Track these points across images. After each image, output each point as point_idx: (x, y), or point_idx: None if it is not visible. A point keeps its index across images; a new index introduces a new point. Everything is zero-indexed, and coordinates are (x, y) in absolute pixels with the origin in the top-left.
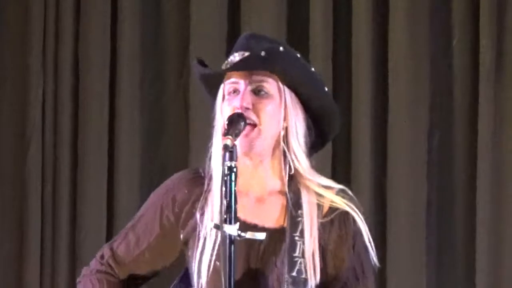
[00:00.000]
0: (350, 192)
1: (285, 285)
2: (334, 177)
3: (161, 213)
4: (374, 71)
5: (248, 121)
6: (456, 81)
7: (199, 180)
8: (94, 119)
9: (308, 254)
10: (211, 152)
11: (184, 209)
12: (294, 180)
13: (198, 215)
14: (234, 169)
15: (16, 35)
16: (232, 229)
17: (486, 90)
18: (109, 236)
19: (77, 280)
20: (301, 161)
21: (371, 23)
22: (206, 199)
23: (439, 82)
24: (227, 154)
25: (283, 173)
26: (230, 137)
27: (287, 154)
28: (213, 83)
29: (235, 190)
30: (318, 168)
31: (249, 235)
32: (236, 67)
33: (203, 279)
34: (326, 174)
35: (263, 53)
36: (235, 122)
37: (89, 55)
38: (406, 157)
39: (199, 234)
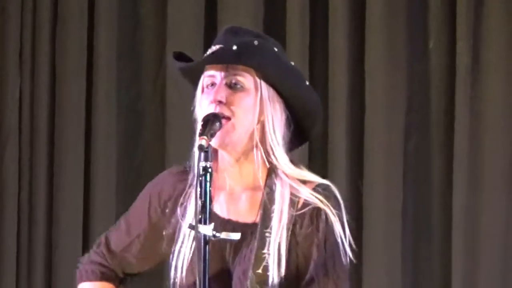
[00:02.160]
0: (332, 188)
1: (248, 282)
2: None
3: (149, 204)
4: (351, 73)
5: (221, 115)
6: (433, 83)
7: (184, 176)
8: (71, 121)
9: (273, 247)
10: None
11: (168, 204)
12: (272, 175)
13: (180, 211)
14: (209, 170)
15: None
16: (207, 229)
17: (463, 92)
18: (86, 237)
19: (77, 267)
20: (278, 155)
21: (348, 25)
22: (189, 194)
23: (416, 84)
24: (202, 155)
25: (258, 168)
26: (205, 137)
27: (262, 148)
28: (193, 76)
29: (210, 191)
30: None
31: (223, 235)
32: (207, 60)
33: (179, 275)
34: None
35: (234, 47)
36: (210, 122)
37: (66, 56)
38: (383, 160)
39: (179, 230)
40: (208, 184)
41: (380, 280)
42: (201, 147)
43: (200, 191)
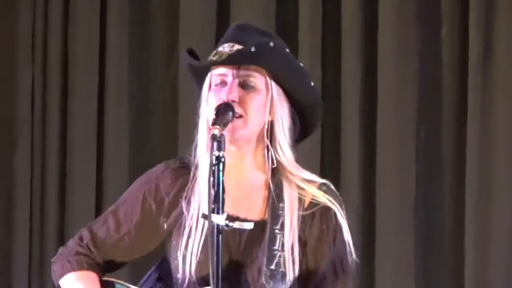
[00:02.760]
0: (332, 187)
1: (263, 278)
2: (323, 172)
3: (143, 201)
4: (363, 65)
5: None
6: (445, 73)
7: (183, 170)
8: (83, 111)
9: (287, 247)
10: (197, 141)
11: (166, 199)
12: (277, 173)
13: (184, 204)
14: (222, 159)
15: (4, 27)
16: (219, 219)
17: (475, 82)
18: None
19: (52, 259)
20: (286, 154)
21: (360, 17)
22: (192, 188)
23: (428, 75)
24: (215, 144)
25: (266, 166)
26: (218, 127)
27: (271, 147)
28: (200, 73)
29: (222, 180)
30: (307, 163)
31: (237, 224)
32: (226, 61)
33: (189, 268)
34: (315, 170)
35: (253, 49)
36: (223, 112)
37: (78, 47)
38: (395, 151)
39: (184, 223)
40: (221, 173)
41: (392, 272)
42: (214, 137)
43: (213, 181)
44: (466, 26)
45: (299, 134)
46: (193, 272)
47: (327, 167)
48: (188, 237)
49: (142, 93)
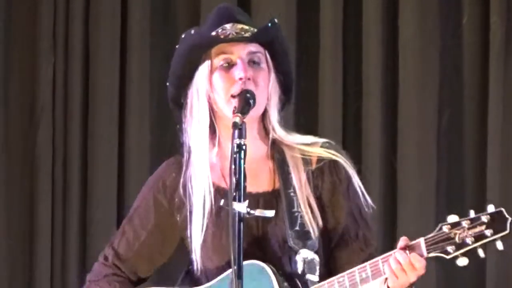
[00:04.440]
0: (336, 144)
1: (290, 240)
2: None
3: (154, 202)
4: (384, 49)
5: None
6: (466, 59)
7: (183, 164)
8: (105, 97)
9: (303, 205)
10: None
11: (175, 194)
12: (276, 143)
13: (187, 194)
14: (243, 147)
15: (26, 15)
16: (241, 207)
17: (496, 68)
18: (120, 214)
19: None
20: (277, 127)
21: (381, 4)
22: (189, 175)
23: (449, 60)
24: (236, 132)
25: (265, 137)
26: (239, 114)
27: (266, 120)
28: (196, 55)
29: (244, 168)
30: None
31: (258, 212)
32: (253, 37)
33: (202, 257)
34: None
35: (269, 24)
36: (245, 99)
37: (100, 35)
38: (416, 135)
39: (191, 213)
40: (242, 161)
41: None
42: (235, 125)
43: (235, 168)
44: (487, 12)
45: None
46: (208, 261)
47: (349, 152)
48: (196, 227)
49: (164, 78)
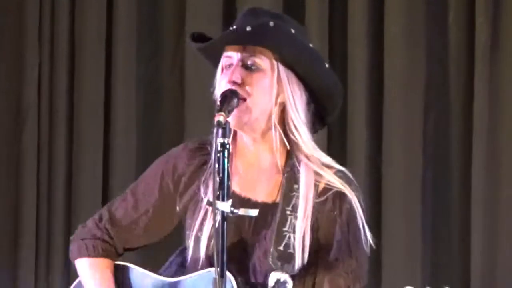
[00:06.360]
0: (349, 174)
1: (270, 259)
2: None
3: (161, 179)
4: (370, 48)
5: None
6: (452, 60)
7: (201, 151)
8: (90, 97)
9: (299, 233)
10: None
11: (182, 179)
12: (293, 156)
13: (202, 188)
14: (227, 146)
15: (11, 13)
16: (225, 206)
17: (482, 69)
18: None
19: (71, 237)
20: (302, 134)
21: (367, 2)
22: (211, 171)
23: (435, 61)
24: (220, 131)
25: (275, 148)
26: (222, 113)
27: (287, 129)
28: (213, 56)
29: (228, 167)
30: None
31: (241, 211)
32: (220, 41)
33: (202, 249)
34: None
35: (248, 28)
36: (228, 98)
37: (85, 33)
38: (402, 136)
39: (200, 205)
40: (226, 160)
41: (399, 258)
42: (219, 124)
43: (218, 168)
44: (473, 12)
45: (316, 119)
46: (203, 253)
47: (334, 152)
48: (203, 219)
49: (150, 78)
